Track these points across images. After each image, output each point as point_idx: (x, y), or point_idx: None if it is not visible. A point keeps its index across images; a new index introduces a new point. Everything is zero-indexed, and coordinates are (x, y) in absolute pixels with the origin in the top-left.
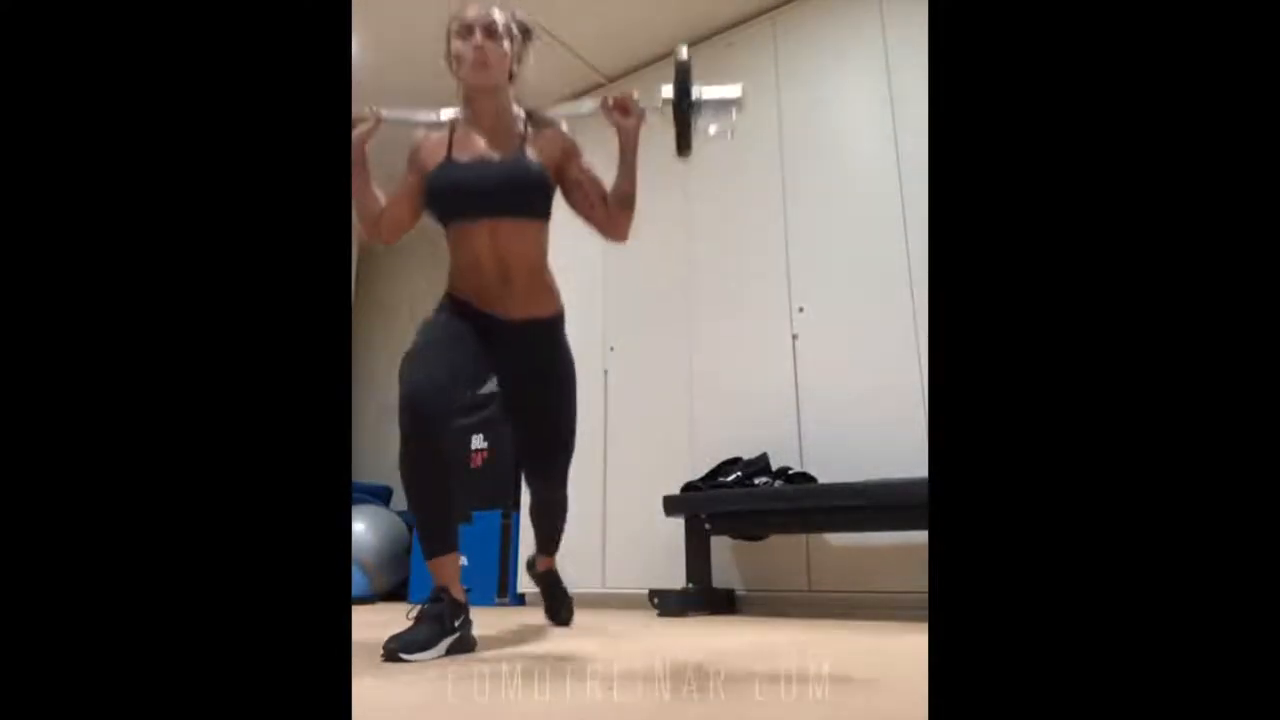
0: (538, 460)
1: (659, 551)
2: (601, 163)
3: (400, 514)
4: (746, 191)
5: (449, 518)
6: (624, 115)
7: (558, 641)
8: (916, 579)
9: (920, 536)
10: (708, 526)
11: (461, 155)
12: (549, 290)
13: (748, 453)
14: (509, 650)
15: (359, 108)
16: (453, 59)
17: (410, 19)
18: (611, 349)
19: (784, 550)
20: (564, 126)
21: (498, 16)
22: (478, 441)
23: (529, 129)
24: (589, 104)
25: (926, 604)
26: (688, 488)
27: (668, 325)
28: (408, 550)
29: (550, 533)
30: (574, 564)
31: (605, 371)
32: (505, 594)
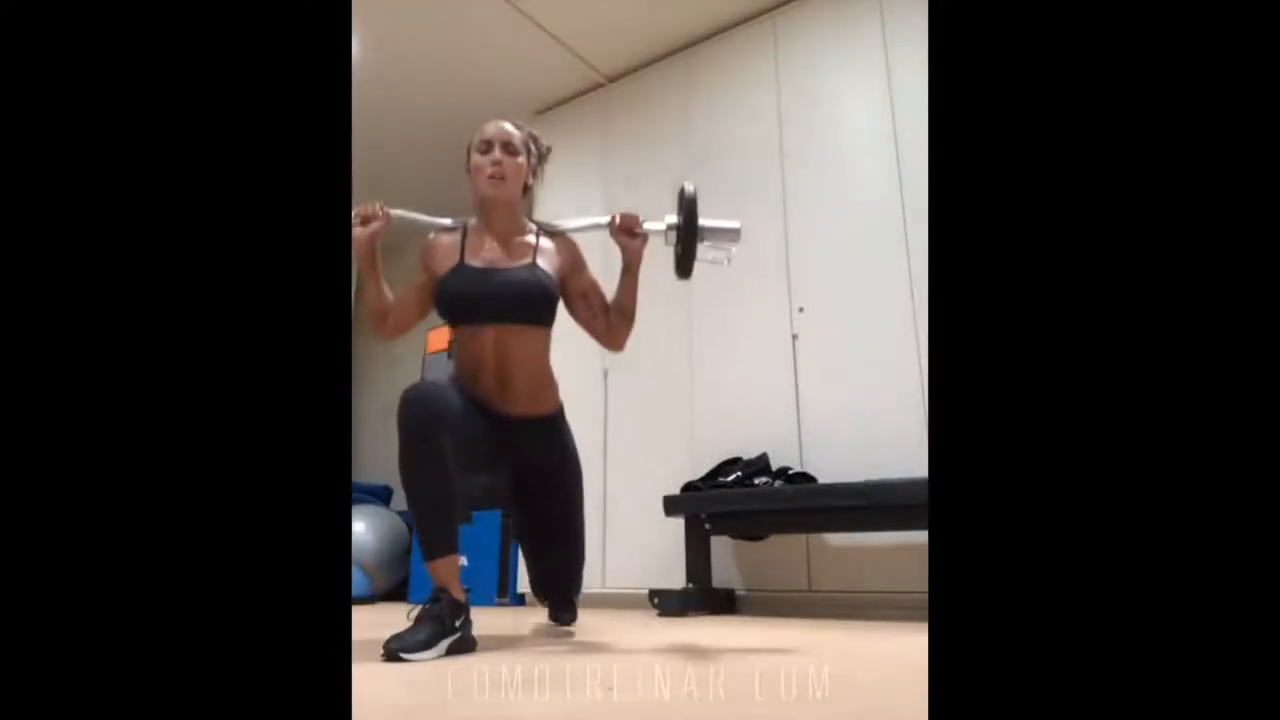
0: (549, 586)
1: (659, 551)
2: (596, 269)
3: (400, 514)
4: (746, 191)
5: (449, 518)
6: (629, 236)
7: (558, 642)
8: (916, 579)
9: (920, 536)
10: (708, 526)
11: (474, 261)
12: (548, 389)
13: (748, 452)
14: (509, 650)
15: (370, 205)
16: (472, 170)
17: (410, 19)
18: None
19: (784, 550)
20: (572, 237)
21: (515, 134)
22: None
23: (539, 239)
24: (597, 220)
25: (926, 604)
26: (688, 488)
27: (668, 325)
28: (408, 550)
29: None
30: None
31: (605, 371)
32: (505, 594)
